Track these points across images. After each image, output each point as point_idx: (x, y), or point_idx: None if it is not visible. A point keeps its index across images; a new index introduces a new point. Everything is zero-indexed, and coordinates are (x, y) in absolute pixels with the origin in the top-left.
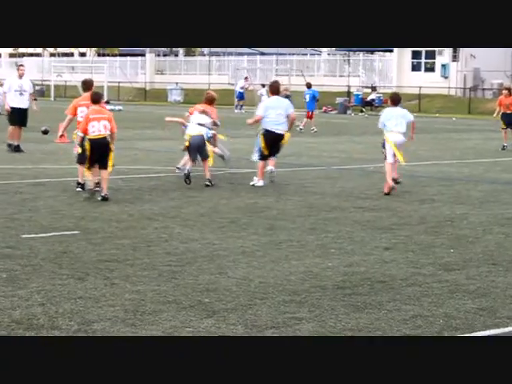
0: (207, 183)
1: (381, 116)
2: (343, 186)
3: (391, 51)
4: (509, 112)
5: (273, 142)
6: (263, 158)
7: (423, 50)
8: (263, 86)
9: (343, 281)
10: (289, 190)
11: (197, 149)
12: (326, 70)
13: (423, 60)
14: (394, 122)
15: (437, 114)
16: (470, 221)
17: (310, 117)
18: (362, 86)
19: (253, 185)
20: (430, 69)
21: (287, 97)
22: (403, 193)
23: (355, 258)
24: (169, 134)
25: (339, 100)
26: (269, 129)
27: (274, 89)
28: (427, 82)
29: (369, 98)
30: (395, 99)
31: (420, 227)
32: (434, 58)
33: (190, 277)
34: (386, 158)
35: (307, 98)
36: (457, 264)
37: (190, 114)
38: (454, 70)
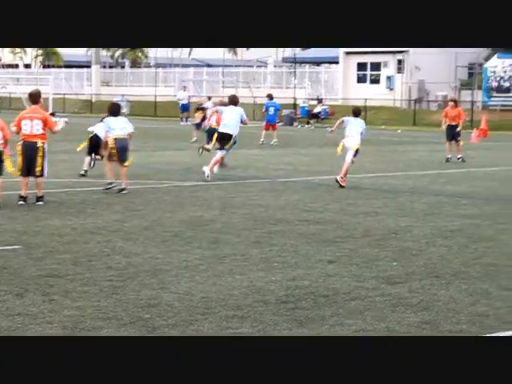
0: (123, 191)
1: (344, 121)
2: (288, 198)
3: (337, 63)
4: (454, 124)
5: (221, 139)
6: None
7: (368, 61)
8: (209, 98)
9: (286, 295)
10: (234, 203)
11: (121, 151)
12: (272, 81)
13: (368, 72)
14: (355, 130)
15: (382, 126)
16: (414, 233)
17: (274, 128)
18: (308, 98)
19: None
20: (376, 81)
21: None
22: (348, 205)
23: (299, 271)
24: None
25: (285, 112)
26: (220, 130)
27: (231, 99)
28: (373, 94)
29: (315, 111)
30: (356, 112)
31: (364, 240)
32: (379, 70)
33: (132, 292)
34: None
35: (272, 110)
36: (400, 277)
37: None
38: (399, 81)
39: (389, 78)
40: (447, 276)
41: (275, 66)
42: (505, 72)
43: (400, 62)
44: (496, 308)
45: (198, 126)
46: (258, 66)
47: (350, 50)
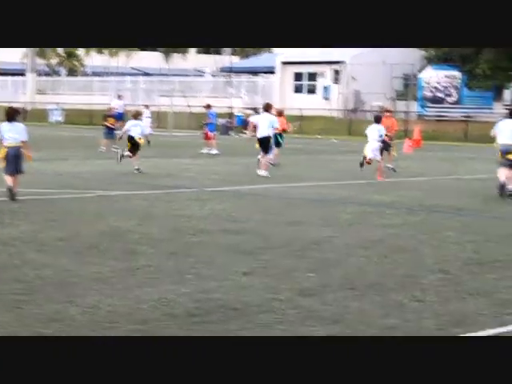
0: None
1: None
2: (213, 208)
3: (274, 73)
4: (389, 134)
5: (262, 142)
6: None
7: (305, 71)
8: (147, 106)
9: (196, 308)
10: (156, 213)
11: (14, 161)
12: (209, 91)
13: (305, 82)
14: (376, 134)
15: (318, 136)
16: (335, 244)
17: (213, 138)
18: (245, 108)
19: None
20: (312, 91)
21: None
22: (273, 215)
23: (212, 283)
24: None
25: (221, 121)
26: (259, 136)
27: (265, 107)
28: (309, 104)
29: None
30: (378, 118)
31: (283, 250)
32: (316, 80)
33: (36, 306)
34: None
35: (213, 119)
36: (315, 289)
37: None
38: (336, 92)
39: (325, 88)
40: (362, 288)
41: (213, 76)
42: (439, 83)
43: (337, 72)
44: (406, 320)
45: (108, 134)
46: (194, 76)
47: (286, 59)
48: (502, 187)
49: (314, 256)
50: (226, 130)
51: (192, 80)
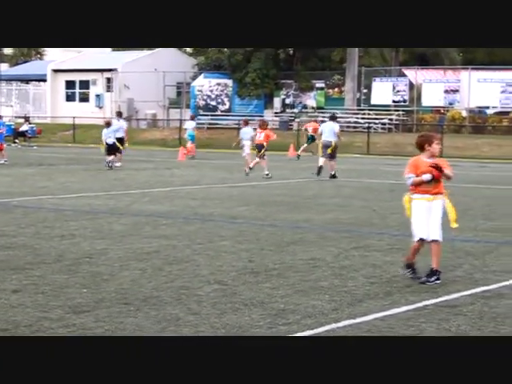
0: None
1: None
2: None
3: (44, 81)
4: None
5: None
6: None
7: (77, 79)
8: None
9: None
10: None
11: None
12: None
13: (77, 90)
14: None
15: (92, 145)
16: (109, 256)
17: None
18: (16, 117)
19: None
20: (85, 99)
21: None
22: (44, 228)
23: None
24: None
25: None
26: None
27: (118, 114)
28: (82, 112)
29: (21, 129)
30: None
31: (56, 265)
32: (88, 88)
33: None
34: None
35: (3, 128)
36: (88, 305)
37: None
38: (109, 100)
39: (98, 96)
40: (137, 302)
41: None
42: (211, 91)
43: (109, 80)
44: (183, 335)
45: None
46: None
47: (57, 67)
48: (319, 170)
49: (86, 270)
50: None
51: None
